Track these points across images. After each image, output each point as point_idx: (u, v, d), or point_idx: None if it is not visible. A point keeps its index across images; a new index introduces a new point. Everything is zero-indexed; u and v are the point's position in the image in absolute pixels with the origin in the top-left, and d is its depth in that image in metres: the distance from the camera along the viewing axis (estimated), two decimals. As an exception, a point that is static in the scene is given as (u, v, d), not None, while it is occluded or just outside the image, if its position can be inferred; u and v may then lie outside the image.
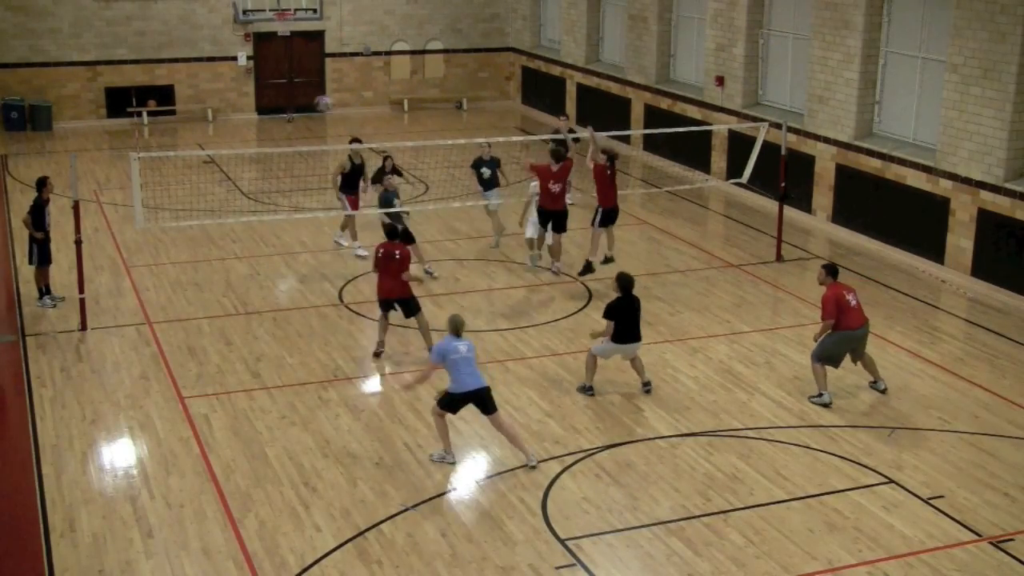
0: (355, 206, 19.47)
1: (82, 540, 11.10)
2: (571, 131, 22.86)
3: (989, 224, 18.56)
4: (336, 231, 20.21)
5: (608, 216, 18.15)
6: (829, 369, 14.19)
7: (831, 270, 14.19)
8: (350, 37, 32.71)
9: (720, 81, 25.07)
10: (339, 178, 19.42)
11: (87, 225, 19.74)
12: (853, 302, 13.91)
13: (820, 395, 14.11)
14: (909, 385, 14.86)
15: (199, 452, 12.84)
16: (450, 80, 34.01)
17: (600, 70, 29.99)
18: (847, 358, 14.27)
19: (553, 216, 18.33)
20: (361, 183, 19.49)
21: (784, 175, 19.90)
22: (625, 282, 14.10)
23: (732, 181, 21.98)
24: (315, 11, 32.18)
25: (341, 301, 17.69)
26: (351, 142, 19.74)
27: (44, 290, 17.32)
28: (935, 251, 19.54)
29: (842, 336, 13.93)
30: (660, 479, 12.32)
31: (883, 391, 14.40)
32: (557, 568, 10.67)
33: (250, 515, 11.53)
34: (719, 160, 25.22)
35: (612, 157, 18.09)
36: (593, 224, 18.18)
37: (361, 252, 19.45)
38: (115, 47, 30.50)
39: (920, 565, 10.77)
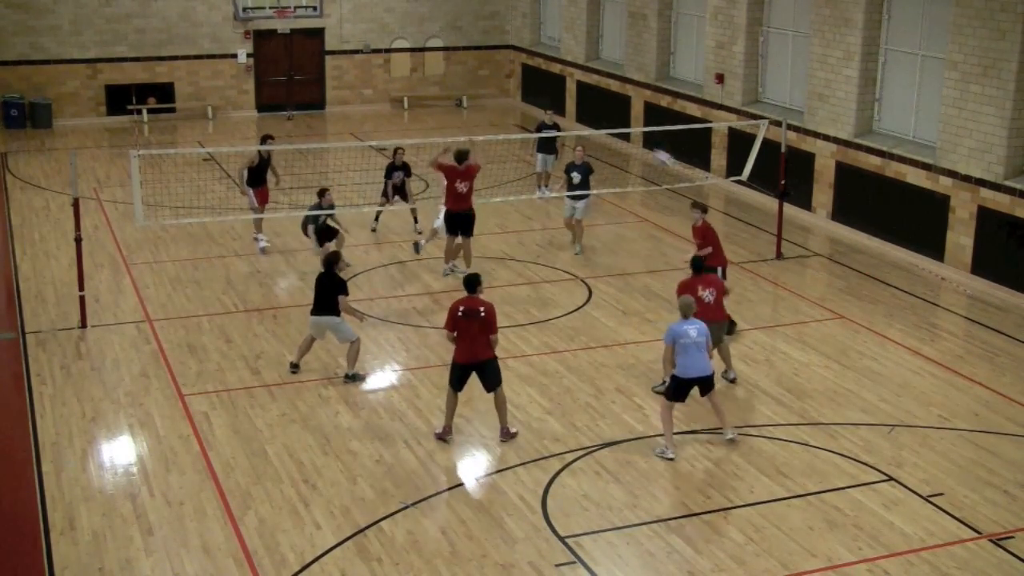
0: (264, 199, 19.97)
1: (82, 538, 11.10)
2: (555, 124, 23.36)
3: (989, 221, 18.55)
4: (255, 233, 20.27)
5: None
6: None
7: (694, 266, 14.33)
8: (350, 35, 32.69)
9: (720, 79, 25.06)
10: (245, 172, 19.76)
11: (87, 223, 19.74)
12: (708, 298, 13.87)
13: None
14: (909, 382, 14.86)
15: (199, 450, 12.84)
16: (450, 78, 33.99)
17: (600, 67, 29.98)
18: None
19: (460, 218, 18.06)
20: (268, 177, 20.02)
21: (784, 173, 19.89)
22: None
23: (732, 179, 21.97)
24: (315, 8, 32.17)
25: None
26: (263, 139, 20.23)
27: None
28: (935, 248, 19.54)
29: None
30: (660, 476, 12.32)
31: (732, 380, 14.60)
32: (557, 566, 10.68)
33: (250, 512, 11.53)
34: (719, 158, 25.21)
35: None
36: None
37: (263, 244, 19.87)
38: (115, 44, 30.49)
39: (920, 563, 10.77)
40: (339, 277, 14.52)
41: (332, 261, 14.55)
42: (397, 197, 20.47)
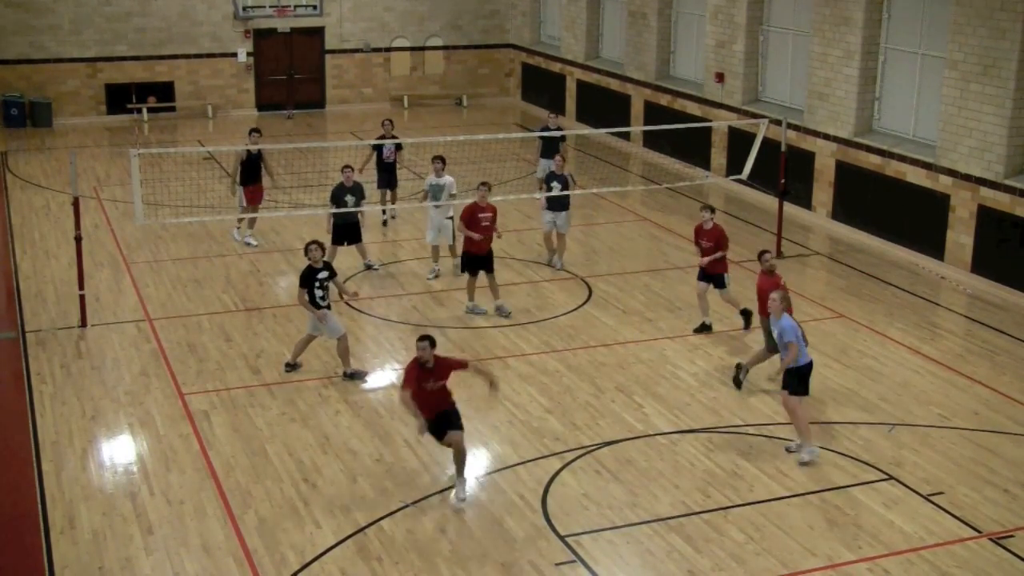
0: (256, 198, 20.01)
1: (82, 537, 11.10)
2: (559, 129, 23.11)
3: (989, 220, 18.55)
4: (244, 231, 20.28)
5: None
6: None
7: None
8: (350, 33, 32.68)
9: (720, 77, 25.05)
10: (239, 169, 19.77)
11: (87, 222, 19.74)
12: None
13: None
14: (909, 381, 14.86)
15: (199, 449, 12.84)
16: (450, 77, 33.98)
17: (600, 66, 29.97)
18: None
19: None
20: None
21: (784, 172, 19.90)
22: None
23: (732, 177, 21.96)
24: (315, 7, 32.16)
25: (341, 298, 17.65)
26: (251, 132, 20.25)
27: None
28: (935, 247, 19.54)
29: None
30: (660, 476, 12.32)
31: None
32: (557, 565, 10.68)
33: (250, 511, 11.53)
34: (719, 156, 25.21)
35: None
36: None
37: (251, 241, 20.02)
38: (115, 44, 30.48)
39: (920, 562, 10.77)
40: (308, 269, 14.27)
41: (306, 250, 14.44)
42: (388, 190, 20.64)
